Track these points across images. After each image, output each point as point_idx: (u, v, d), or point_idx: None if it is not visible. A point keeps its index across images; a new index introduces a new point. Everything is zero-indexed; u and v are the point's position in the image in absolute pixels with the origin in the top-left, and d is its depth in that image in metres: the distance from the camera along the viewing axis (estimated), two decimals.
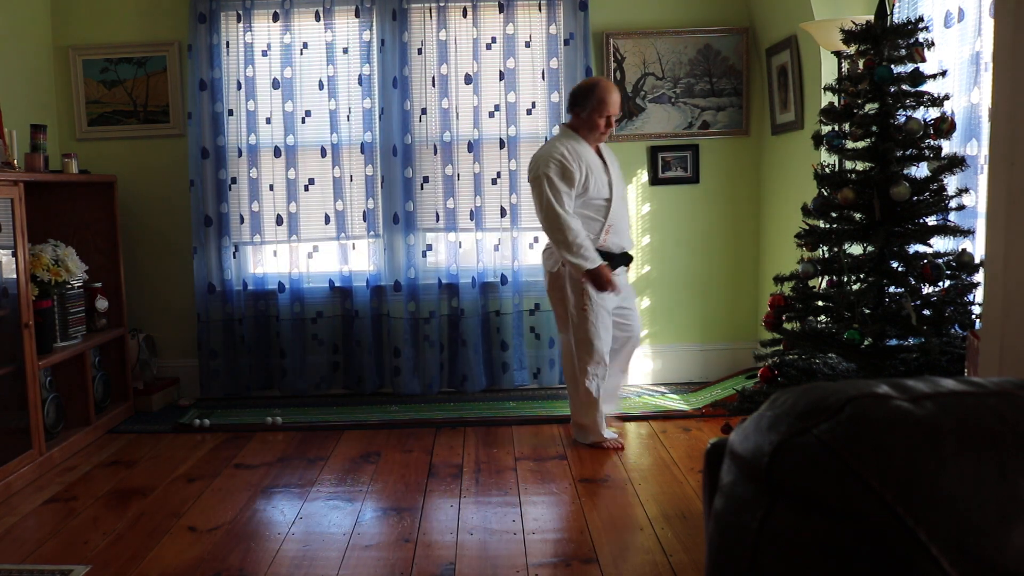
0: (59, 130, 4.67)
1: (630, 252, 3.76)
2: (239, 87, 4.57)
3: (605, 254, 3.58)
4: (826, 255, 3.01)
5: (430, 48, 4.58)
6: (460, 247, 4.68)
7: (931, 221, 2.81)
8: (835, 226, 2.97)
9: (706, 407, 4.31)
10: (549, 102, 4.61)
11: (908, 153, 2.82)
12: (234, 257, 4.65)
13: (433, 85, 4.58)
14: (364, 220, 4.67)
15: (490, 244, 4.67)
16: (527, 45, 4.59)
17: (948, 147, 2.94)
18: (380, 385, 4.76)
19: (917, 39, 2.82)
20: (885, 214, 2.82)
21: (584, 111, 3.56)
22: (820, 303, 2.98)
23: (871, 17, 2.92)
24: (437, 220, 4.66)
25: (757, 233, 4.85)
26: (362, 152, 4.63)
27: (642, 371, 4.80)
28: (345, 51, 4.58)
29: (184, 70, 4.63)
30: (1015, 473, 0.80)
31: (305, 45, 4.59)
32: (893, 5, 3.46)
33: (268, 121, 4.60)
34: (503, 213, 4.63)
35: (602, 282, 3.51)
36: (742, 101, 4.70)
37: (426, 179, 4.64)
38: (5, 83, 4.14)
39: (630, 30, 4.66)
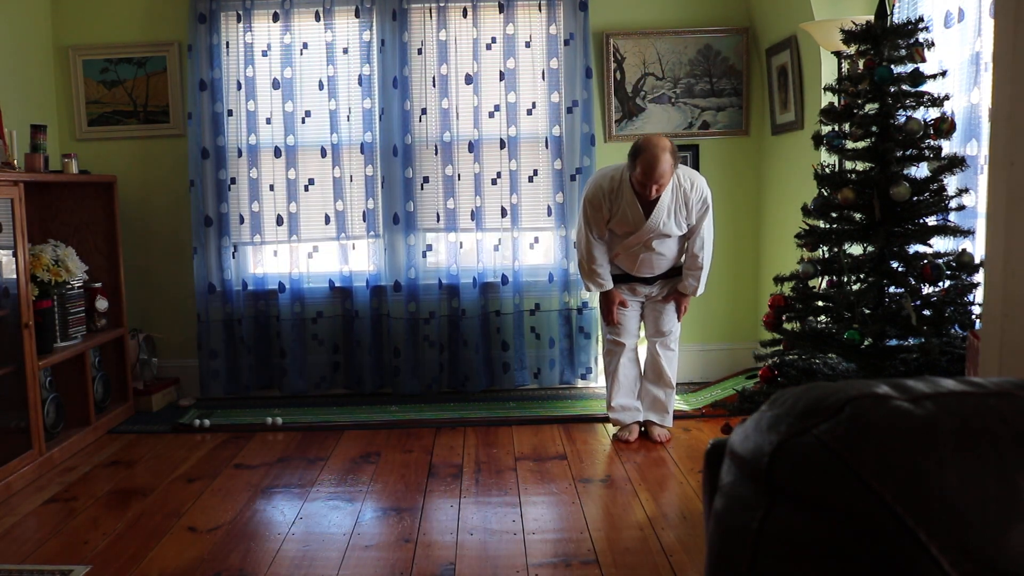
0: (59, 130, 4.67)
1: (649, 277, 3.72)
2: (239, 87, 4.57)
3: (617, 267, 3.73)
4: (826, 255, 3.01)
5: (430, 48, 4.58)
6: (460, 247, 4.68)
7: (931, 221, 2.82)
8: (835, 226, 2.98)
9: (706, 407, 4.32)
10: (549, 102, 4.61)
11: (908, 153, 2.82)
12: (233, 257, 4.65)
13: (433, 85, 4.58)
14: (364, 220, 4.67)
15: (490, 244, 4.67)
16: (527, 45, 4.59)
17: (948, 147, 2.94)
18: (380, 385, 4.75)
19: (917, 39, 2.82)
20: (885, 214, 2.82)
21: (631, 168, 3.48)
22: (820, 303, 2.99)
23: (871, 17, 2.92)
24: (437, 220, 4.66)
25: (757, 233, 4.85)
26: (362, 152, 4.63)
27: None
28: (345, 51, 4.58)
29: (184, 70, 4.63)
30: (1015, 473, 0.80)
31: (305, 45, 4.59)
32: (893, 5, 3.46)
33: (268, 121, 4.60)
34: (503, 213, 4.63)
35: (605, 306, 3.77)
36: (742, 101, 4.70)
37: (426, 179, 4.64)
38: (5, 83, 4.14)
39: (630, 30, 4.67)
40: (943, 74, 2.83)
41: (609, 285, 3.70)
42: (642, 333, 3.91)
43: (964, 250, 2.82)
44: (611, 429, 3.98)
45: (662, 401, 3.84)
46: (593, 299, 4.61)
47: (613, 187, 3.57)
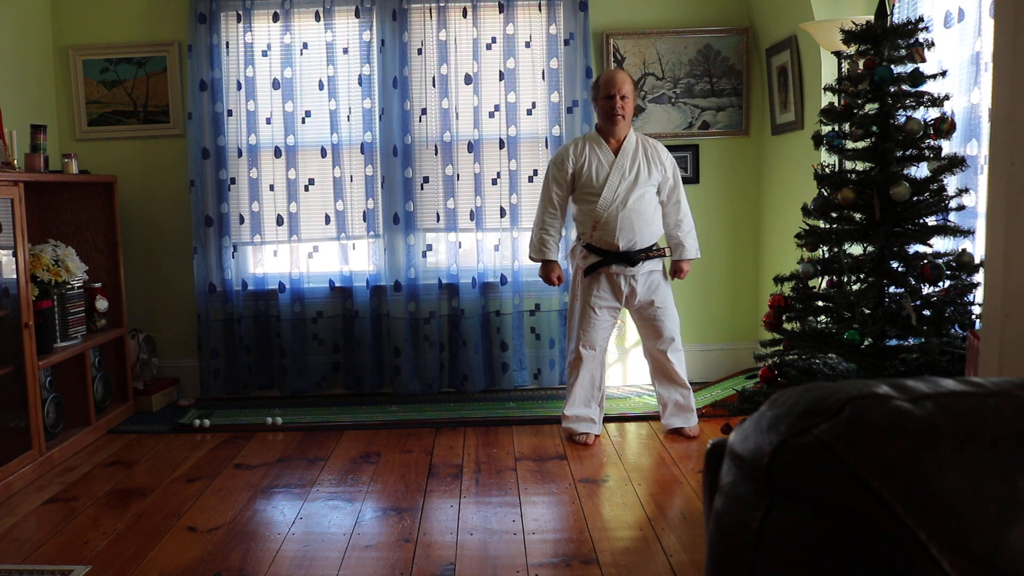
0: (59, 130, 4.67)
1: (642, 249, 3.65)
2: (239, 87, 4.57)
3: (596, 250, 3.68)
4: (826, 255, 3.01)
5: (430, 48, 4.58)
6: (460, 247, 4.68)
7: (931, 221, 2.82)
8: (835, 226, 2.98)
9: (706, 407, 4.31)
10: (549, 102, 4.61)
11: (908, 153, 2.82)
12: (233, 257, 4.65)
13: (433, 85, 4.58)
14: (364, 220, 4.67)
15: (490, 244, 4.67)
16: (527, 45, 4.59)
17: (948, 147, 2.95)
18: (380, 385, 4.75)
19: (917, 39, 2.82)
20: (885, 214, 2.82)
21: (595, 103, 3.75)
22: (820, 303, 2.98)
23: (871, 17, 2.92)
24: (437, 220, 4.66)
25: (757, 233, 4.85)
26: (362, 152, 4.63)
27: (642, 371, 4.79)
28: (345, 51, 4.58)
29: (184, 70, 4.63)
30: (1014, 473, 0.80)
31: (305, 45, 4.59)
32: (893, 5, 3.46)
33: (268, 121, 4.60)
34: (503, 213, 4.63)
35: (544, 275, 3.86)
36: (742, 101, 4.70)
37: (426, 179, 4.64)
38: (5, 83, 4.14)
39: (630, 30, 4.67)
40: (943, 74, 2.83)
41: (551, 255, 3.79)
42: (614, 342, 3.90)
43: (964, 250, 2.82)
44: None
45: (683, 404, 3.87)
46: None
47: (577, 142, 3.80)
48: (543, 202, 3.79)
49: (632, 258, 3.66)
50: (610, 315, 3.77)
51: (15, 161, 3.68)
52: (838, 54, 3.53)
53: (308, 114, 4.62)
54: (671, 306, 3.80)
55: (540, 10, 4.58)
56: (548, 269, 3.82)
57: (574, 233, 3.91)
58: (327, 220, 4.66)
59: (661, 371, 3.85)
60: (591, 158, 3.67)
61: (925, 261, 2.79)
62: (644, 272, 3.71)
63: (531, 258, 3.86)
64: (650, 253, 3.70)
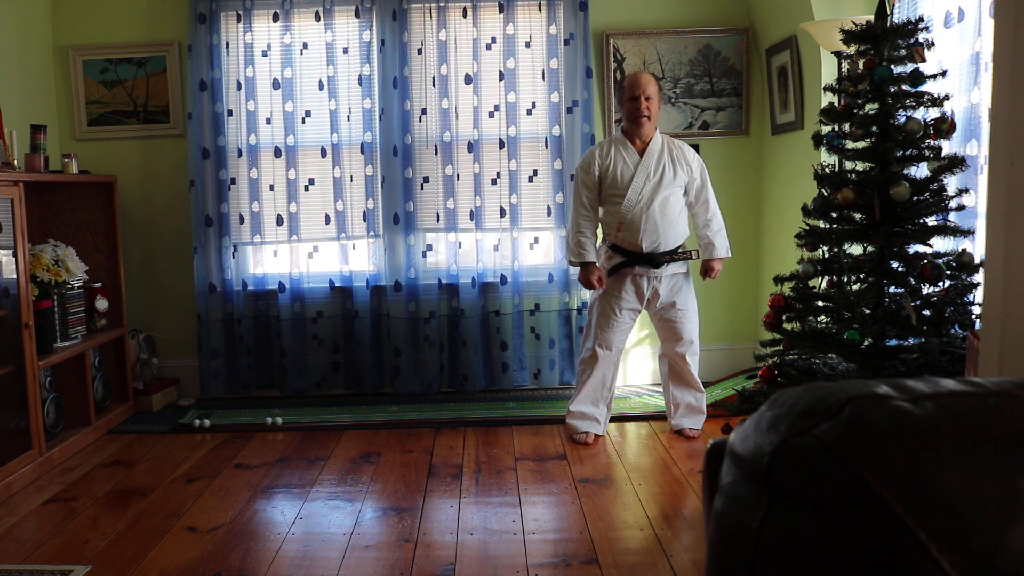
0: (59, 130, 4.67)
1: (666, 251, 3.64)
2: (239, 87, 4.57)
3: (620, 251, 3.68)
4: (826, 255, 3.01)
5: (430, 48, 4.57)
6: (460, 247, 4.68)
7: (931, 221, 2.82)
8: (835, 226, 2.98)
9: (706, 407, 4.31)
10: (549, 102, 4.61)
11: (908, 153, 2.82)
12: (233, 257, 4.65)
13: (433, 85, 4.58)
14: (364, 220, 4.67)
15: (490, 244, 4.67)
16: (527, 45, 4.59)
17: (948, 147, 2.95)
18: (380, 385, 4.75)
19: (917, 39, 2.82)
20: (885, 214, 2.82)
21: (621, 105, 3.76)
22: (820, 303, 2.99)
23: (871, 17, 2.92)
24: (437, 220, 4.66)
25: (757, 233, 4.85)
26: (362, 152, 4.63)
27: (642, 371, 4.80)
28: (345, 51, 4.58)
29: (184, 70, 4.63)
30: (1014, 473, 0.80)
31: (305, 45, 4.59)
32: (893, 5, 3.46)
33: (268, 121, 4.60)
34: (503, 213, 4.63)
35: (583, 279, 3.76)
36: (742, 101, 4.70)
37: (426, 179, 4.64)
38: (5, 83, 4.14)
39: (630, 30, 4.67)
40: (943, 74, 2.83)
41: (590, 257, 3.70)
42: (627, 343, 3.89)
43: (964, 250, 2.82)
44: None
45: (695, 406, 3.89)
46: None
47: (603, 144, 3.78)
48: (575, 205, 3.75)
49: (656, 260, 3.65)
50: (630, 317, 3.77)
51: (15, 161, 3.68)
52: (838, 54, 3.53)
53: (308, 114, 4.62)
54: (692, 309, 3.81)
55: (540, 10, 4.58)
56: (587, 272, 3.72)
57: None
58: (327, 220, 4.66)
59: (677, 373, 3.86)
60: (616, 160, 3.66)
61: (925, 261, 2.79)
62: (668, 274, 3.70)
63: (570, 262, 3.80)
64: (675, 256, 3.69)
